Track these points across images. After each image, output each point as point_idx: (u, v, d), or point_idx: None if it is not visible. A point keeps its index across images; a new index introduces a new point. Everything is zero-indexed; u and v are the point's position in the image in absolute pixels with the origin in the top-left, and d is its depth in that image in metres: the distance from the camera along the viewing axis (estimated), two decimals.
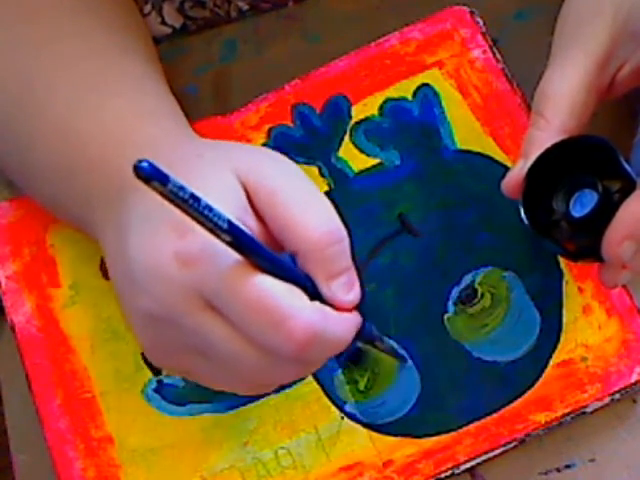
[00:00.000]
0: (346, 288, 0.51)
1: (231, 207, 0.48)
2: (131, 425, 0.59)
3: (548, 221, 0.53)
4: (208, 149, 0.53)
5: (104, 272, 0.62)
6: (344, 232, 0.51)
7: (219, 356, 0.49)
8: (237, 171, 0.50)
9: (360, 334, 0.52)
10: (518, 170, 0.54)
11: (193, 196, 0.44)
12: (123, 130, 0.55)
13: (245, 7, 0.68)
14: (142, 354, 0.60)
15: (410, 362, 0.58)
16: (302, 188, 0.52)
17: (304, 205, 0.50)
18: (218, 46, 0.68)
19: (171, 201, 0.43)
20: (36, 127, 0.57)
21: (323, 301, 0.50)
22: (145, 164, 0.41)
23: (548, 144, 0.53)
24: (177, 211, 0.44)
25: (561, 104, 0.53)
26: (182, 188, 0.43)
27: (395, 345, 0.59)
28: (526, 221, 0.53)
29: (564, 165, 0.53)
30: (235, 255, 0.47)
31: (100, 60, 0.58)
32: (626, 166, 0.51)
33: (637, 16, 0.52)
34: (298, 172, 0.53)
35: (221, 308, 0.48)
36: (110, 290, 0.61)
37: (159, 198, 0.43)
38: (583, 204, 0.52)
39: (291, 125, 0.63)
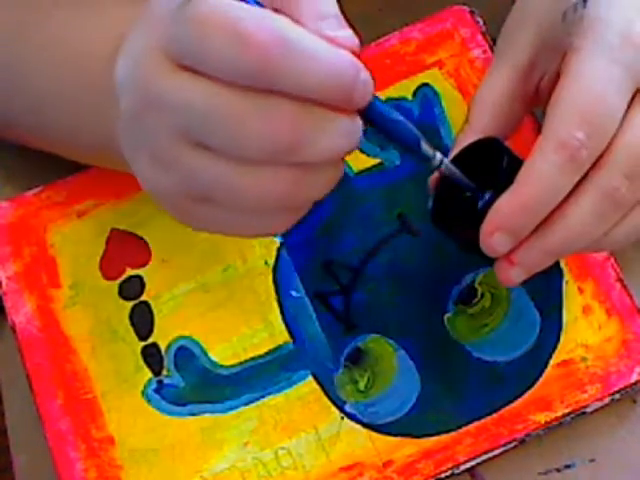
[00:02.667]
0: (337, 27, 0.45)
1: None
2: (132, 426, 0.59)
3: (454, 218, 0.54)
4: None
5: (103, 271, 0.62)
6: None
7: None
8: None
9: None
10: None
11: None
12: (124, 28, 0.52)
13: None
14: (142, 353, 0.60)
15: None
16: None
17: None
18: None
19: None
20: (32, 57, 0.57)
21: None
22: None
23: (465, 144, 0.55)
24: None
25: (484, 110, 0.55)
26: None
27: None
28: (435, 224, 0.54)
29: (474, 165, 0.53)
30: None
31: None
32: (505, 165, 0.52)
33: (556, 28, 0.53)
34: None
35: (188, 59, 0.45)
36: (109, 290, 0.61)
37: None
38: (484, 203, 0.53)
39: None
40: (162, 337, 0.60)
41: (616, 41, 0.50)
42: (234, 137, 0.45)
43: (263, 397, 0.59)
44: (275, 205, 0.47)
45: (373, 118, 0.47)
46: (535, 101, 0.56)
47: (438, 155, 0.50)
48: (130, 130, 0.48)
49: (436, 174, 0.54)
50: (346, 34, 0.45)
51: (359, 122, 0.46)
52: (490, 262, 0.53)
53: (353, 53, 0.45)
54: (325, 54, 0.44)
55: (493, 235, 0.50)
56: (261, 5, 0.44)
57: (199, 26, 0.43)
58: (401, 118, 0.48)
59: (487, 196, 0.51)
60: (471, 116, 0.56)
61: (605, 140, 0.50)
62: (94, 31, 0.56)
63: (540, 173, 0.49)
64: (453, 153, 0.54)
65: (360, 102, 0.45)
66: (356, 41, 0.45)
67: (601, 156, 0.50)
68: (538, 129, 0.61)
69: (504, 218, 0.50)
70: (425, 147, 0.49)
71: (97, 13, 0.57)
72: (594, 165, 0.50)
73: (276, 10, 0.44)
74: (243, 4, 0.43)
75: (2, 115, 0.62)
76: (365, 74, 0.45)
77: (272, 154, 0.45)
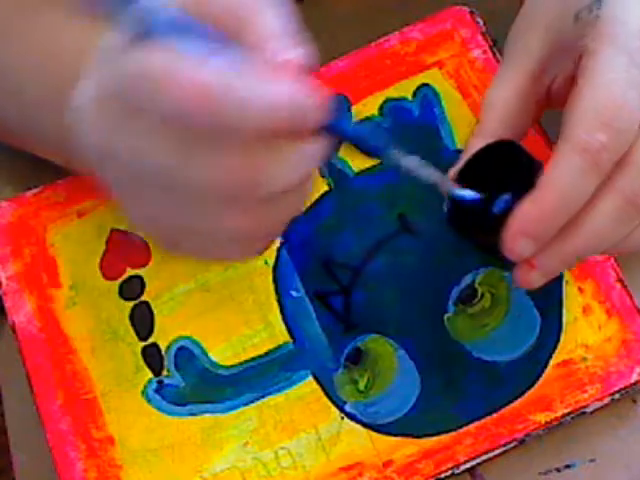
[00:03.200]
0: (291, 45, 0.45)
1: None
2: (132, 426, 0.59)
3: (471, 222, 0.54)
4: None
5: (103, 271, 0.62)
6: None
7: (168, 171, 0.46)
8: None
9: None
10: (452, 173, 0.55)
11: None
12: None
13: None
14: (142, 354, 0.60)
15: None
16: None
17: None
18: None
19: None
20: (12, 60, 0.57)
21: None
22: None
23: (477, 148, 0.55)
24: None
25: (495, 112, 0.56)
26: None
27: None
28: (452, 226, 0.54)
29: (488, 168, 0.54)
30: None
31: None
32: (524, 168, 0.52)
33: (566, 30, 0.53)
34: None
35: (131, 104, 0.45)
36: (110, 290, 0.61)
37: None
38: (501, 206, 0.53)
39: None
40: (162, 337, 0.60)
41: (633, 42, 0.50)
42: (194, 186, 0.45)
43: (263, 397, 0.59)
44: (249, 236, 0.48)
45: (336, 135, 0.46)
46: (546, 104, 0.56)
47: (410, 160, 0.49)
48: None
49: (451, 174, 0.54)
50: (298, 53, 0.45)
51: (317, 145, 0.46)
52: (500, 264, 0.53)
53: (310, 70, 0.44)
54: (266, 88, 0.43)
55: (517, 240, 0.50)
56: (208, 40, 0.44)
57: (126, 77, 0.44)
58: (363, 132, 0.47)
59: (504, 199, 0.51)
60: (482, 121, 0.56)
61: (626, 143, 0.49)
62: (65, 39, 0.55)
63: (562, 178, 0.49)
64: (465, 157, 0.55)
65: (315, 125, 0.45)
66: (310, 57, 0.45)
67: (621, 159, 0.50)
68: (538, 128, 0.61)
69: (528, 224, 0.50)
70: (394, 155, 0.48)
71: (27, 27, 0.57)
72: (615, 169, 0.50)
73: (229, 34, 0.44)
74: (181, 54, 0.43)
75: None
76: (313, 99, 0.44)
77: (232, 196, 0.45)
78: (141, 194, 0.48)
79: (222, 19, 0.45)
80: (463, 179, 0.54)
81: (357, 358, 0.59)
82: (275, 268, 0.61)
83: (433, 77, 0.64)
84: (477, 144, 0.55)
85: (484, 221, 0.52)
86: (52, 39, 0.56)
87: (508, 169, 0.53)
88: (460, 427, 0.57)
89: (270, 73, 0.44)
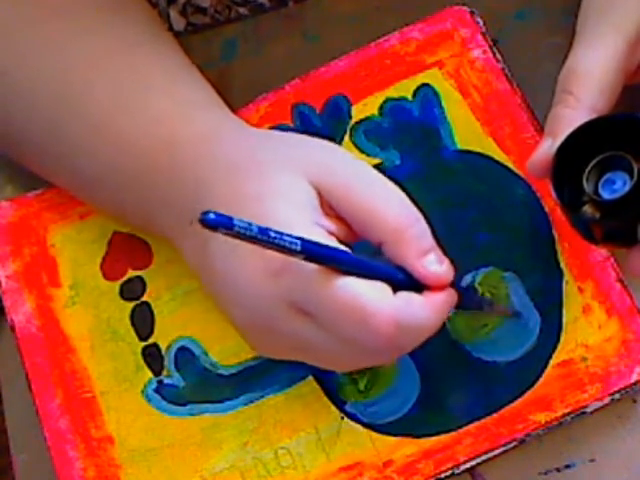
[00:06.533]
0: (438, 262, 0.51)
1: (308, 213, 0.50)
2: (131, 425, 0.59)
3: (577, 202, 0.52)
4: (268, 151, 0.54)
5: (104, 272, 0.62)
6: (419, 214, 0.52)
7: (317, 353, 0.51)
8: (308, 174, 0.51)
9: (463, 306, 0.53)
10: (546, 149, 0.53)
11: (261, 230, 0.45)
12: (170, 128, 0.56)
13: (246, 13, 0.68)
14: (142, 353, 0.60)
15: (524, 317, 0.58)
16: (371, 178, 0.53)
17: (379, 194, 0.52)
18: (218, 45, 0.68)
19: (241, 239, 0.45)
20: (79, 128, 0.57)
21: (414, 289, 0.51)
22: (211, 215, 0.43)
23: (578, 122, 0.52)
24: None
25: (591, 82, 0.53)
26: (249, 226, 0.45)
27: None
28: (557, 200, 0.52)
29: (596, 144, 0.52)
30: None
31: (133, 54, 0.58)
32: None
33: None
34: (362, 163, 0.54)
35: (311, 313, 0.50)
36: (110, 290, 0.61)
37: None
38: (614, 185, 0.52)
39: (291, 125, 0.63)
40: (162, 337, 0.60)
41: None
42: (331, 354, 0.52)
43: (263, 397, 0.59)
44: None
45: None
46: (633, 77, 0.54)
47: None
48: (244, 330, 0.54)
49: (540, 157, 0.53)
50: (443, 269, 0.51)
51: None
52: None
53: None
54: (432, 318, 0.50)
55: None
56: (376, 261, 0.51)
57: (331, 305, 0.49)
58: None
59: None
60: (576, 89, 0.53)
61: None
62: (137, 129, 0.57)
63: None
64: (562, 132, 0.52)
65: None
66: (452, 273, 0.52)
67: None
68: (539, 128, 0.61)
69: None
70: None
71: (138, 103, 0.57)
72: None
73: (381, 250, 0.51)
74: (365, 282, 0.49)
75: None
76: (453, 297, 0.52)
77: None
78: (270, 341, 0.53)
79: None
80: (563, 154, 0.52)
81: None
82: None
83: (433, 77, 0.64)
84: (575, 117, 0.52)
85: (605, 208, 0.51)
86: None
87: (616, 146, 0.51)
88: (460, 427, 0.57)
89: (430, 300, 0.51)
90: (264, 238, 0.46)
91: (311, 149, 0.54)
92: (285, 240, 0.46)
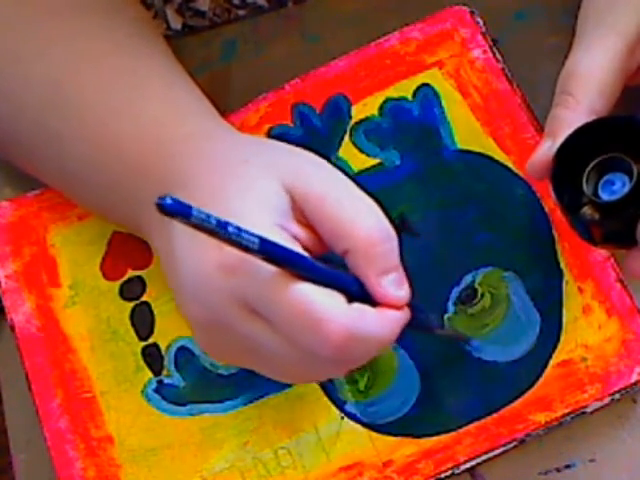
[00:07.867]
0: (397, 284, 0.51)
1: (273, 215, 0.50)
2: (131, 425, 0.59)
3: (577, 203, 0.53)
4: (253, 154, 0.54)
5: (104, 272, 0.62)
6: (393, 232, 0.52)
7: (270, 359, 0.51)
8: (284, 180, 0.51)
9: (414, 325, 0.52)
10: (546, 150, 0.53)
11: (219, 223, 0.45)
12: (161, 131, 0.56)
13: (244, 15, 0.68)
14: (142, 353, 0.60)
15: (475, 342, 0.59)
16: (348, 191, 0.52)
17: (353, 207, 0.51)
18: (218, 46, 0.68)
19: (199, 229, 0.44)
20: (68, 131, 0.57)
21: (369, 302, 0.50)
22: (168, 200, 0.42)
23: (577, 124, 0.52)
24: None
25: (590, 84, 0.53)
26: (207, 218, 0.44)
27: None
28: (557, 201, 0.52)
29: (595, 146, 0.52)
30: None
31: (126, 56, 0.58)
32: None
33: None
34: (340, 175, 0.53)
35: (264, 314, 0.49)
36: (110, 290, 0.61)
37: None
38: (613, 187, 0.52)
39: (291, 125, 0.63)
40: (162, 337, 0.60)
41: None
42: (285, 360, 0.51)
43: (263, 397, 0.59)
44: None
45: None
46: (633, 79, 0.54)
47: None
48: (197, 329, 0.53)
49: (539, 158, 0.53)
50: (400, 293, 0.51)
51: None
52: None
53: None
54: (384, 333, 0.50)
55: None
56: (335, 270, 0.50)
57: (284, 309, 0.48)
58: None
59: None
60: (575, 91, 0.53)
61: None
62: (128, 131, 0.57)
63: None
64: (561, 133, 0.52)
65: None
66: (408, 297, 0.51)
67: None
68: (539, 128, 0.61)
69: None
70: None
71: (130, 106, 0.57)
72: None
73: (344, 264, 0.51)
74: (320, 288, 0.48)
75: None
76: (407, 315, 0.51)
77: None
78: (220, 341, 0.52)
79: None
80: (563, 156, 0.52)
81: None
82: None
83: (433, 77, 0.64)
84: (574, 119, 0.52)
85: (604, 209, 0.51)
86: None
87: (615, 148, 0.51)
88: (460, 427, 0.57)
89: (383, 315, 0.50)
90: (222, 232, 0.45)
91: (295, 158, 0.54)
92: (243, 237, 0.45)
